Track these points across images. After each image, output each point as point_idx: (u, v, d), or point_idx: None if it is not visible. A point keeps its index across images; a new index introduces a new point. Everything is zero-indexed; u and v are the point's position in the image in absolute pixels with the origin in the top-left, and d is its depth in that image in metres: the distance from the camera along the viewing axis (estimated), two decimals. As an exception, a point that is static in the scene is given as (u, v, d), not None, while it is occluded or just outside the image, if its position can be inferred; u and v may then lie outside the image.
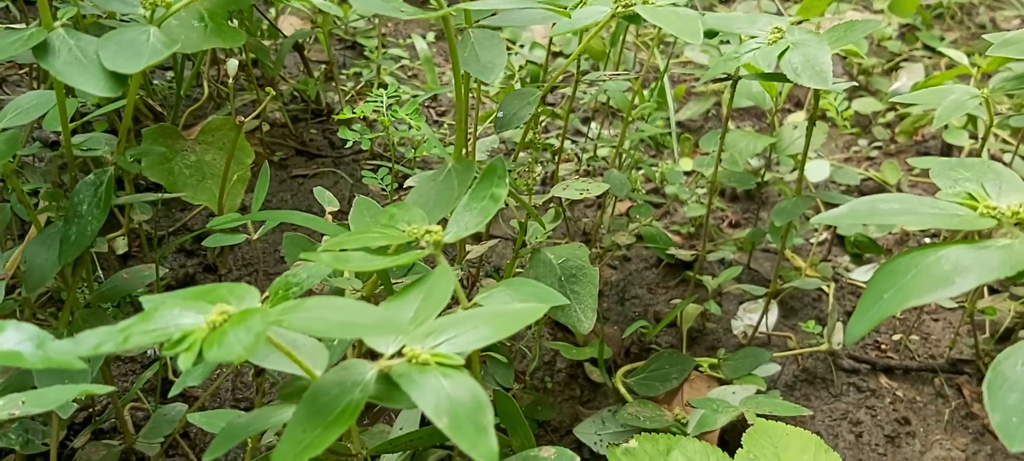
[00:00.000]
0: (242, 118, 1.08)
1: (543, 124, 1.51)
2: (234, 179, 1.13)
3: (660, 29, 1.36)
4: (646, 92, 1.65)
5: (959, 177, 0.63)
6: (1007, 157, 1.72)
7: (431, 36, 2.01)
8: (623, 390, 1.17)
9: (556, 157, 1.23)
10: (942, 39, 2.22)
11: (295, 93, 1.67)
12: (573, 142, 1.62)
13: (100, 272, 1.15)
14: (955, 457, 1.15)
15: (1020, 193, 0.60)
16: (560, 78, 0.96)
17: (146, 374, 1.05)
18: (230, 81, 1.12)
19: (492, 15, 0.86)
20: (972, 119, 1.78)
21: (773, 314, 1.34)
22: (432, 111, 1.81)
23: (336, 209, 1.04)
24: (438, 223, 0.72)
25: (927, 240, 1.57)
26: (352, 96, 1.70)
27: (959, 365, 1.28)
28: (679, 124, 1.86)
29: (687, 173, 1.65)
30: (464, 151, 0.98)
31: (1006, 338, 1.30)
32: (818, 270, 1.42)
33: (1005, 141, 1.79)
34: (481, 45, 0.78)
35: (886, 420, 1.20)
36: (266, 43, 1.62)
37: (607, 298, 1.38)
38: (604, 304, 1.37)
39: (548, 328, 1.27)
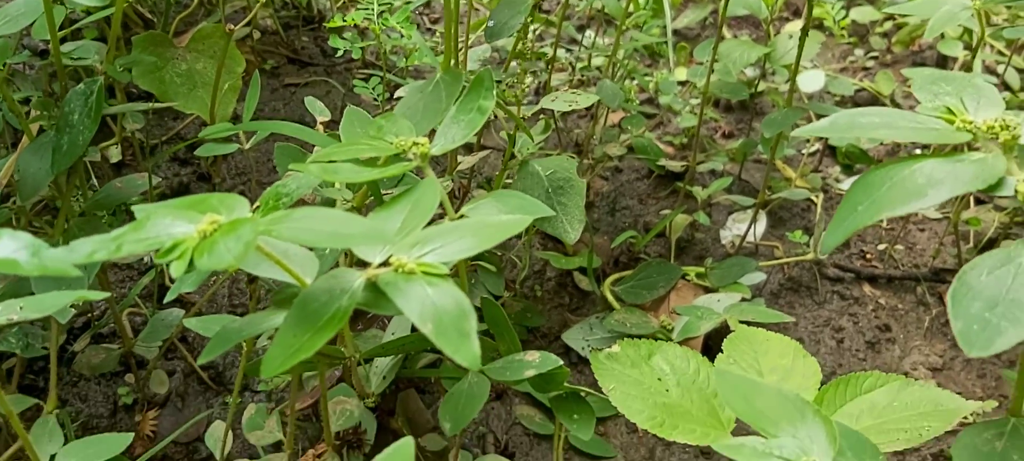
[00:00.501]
0: (232, 25, 1.08)
1: (537, 32, 1.50)
2: (225, 88, 1.13)
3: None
4: None
5: (940, 91, 0.64)
6: (1001, 68, 1.71)
7: (424, -60, 1.97)
8: (611, 298, 1.19)
9: (549, 67, 1.23)
10: (945, -54, 2.17)
11: (286, 0, 1.65)
12: (568, 51, 1.61)
13: (95, 181, 1.16)
14: (932, 362, 1.19)
15: (998, 108, 0.61)
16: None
17: (143, 280, 1.07)
18: (219, -12, 1.11)
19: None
20: (969, 30, 1.77)
21: (762, 224, 1.35)
22: (425, 19, 1.79)
23: (328, 119, 1.05)
24: (426, 135, 0.73)
25: (917, 152, 1.58)
26: (343, 3, 1.68)
27: (942, 274, 1.30)
28: (676, 32, 1.84)
29: (681, 83, 1.65)
30: (455, 61, 0.97)
31: (989, 248, 1.32)
32: (808, 181, 1.43)
33: (1000, 53, 1.78)
34: (469, -47, 0.77)
35: (867, 327, 1.23)
36: (255, -52, 1.59)
37: (598, 209, 1.40)
38: (595, 215, 1.39)
39: (538, 238, 1.29)
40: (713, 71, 1.21)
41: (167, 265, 0.52)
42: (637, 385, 0.81)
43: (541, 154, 1.00)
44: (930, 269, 1.31)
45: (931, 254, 1.33)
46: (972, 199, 1.42)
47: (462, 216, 0.69)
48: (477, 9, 1.70)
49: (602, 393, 0.83)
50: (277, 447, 0.83)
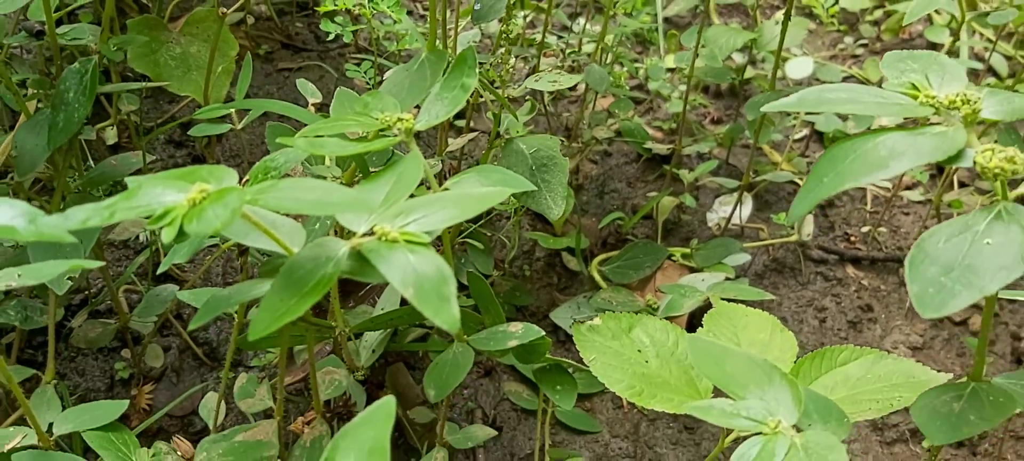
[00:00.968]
0: (226, 10, 1.10)
1: (528, 19, 1.52)
2: (219, 71, 1.15)
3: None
4: (632, -13, 1.65)
5: (907, 68, 0.66)
6: (988, 55, 1.73)
7: (418, -72, 1.98)
8: (598, 278, 1.22)
9: (539, 52, 1.25)
10: (935, -65, 2.19)
11: (281, -14, 1.66)
12: (559, 38, 1.63)
13: (91, 161, 1.18)
14: (913, 341, 1.21)
15: (960, 83, 0.63)
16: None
17: (139, 259, 1.10)
18: (212, -28, 1.13)
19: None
20: (958, 17, 1.79)
21: (747, 207, 1.38)
22: (418, 5, 1.81)
23: (319, 101, 1.07)
24: (411, 111, 0.75)
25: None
26: (338, -11, 1.70)
27: (924, 257, 1.32)
28: (667, 20, 1.86)
29: (670, 70, 1.67)
30: (444, 43, 1.00)
31: (971, 231, 1.35)
32: (793, 165, 1.45)
33: (989, 39, 1.80)
34: (454, -64, 0.79)
35: (850, 307, 1.25)
36: (250, -66, 1.61)
37: (587, 191, 1.42)
38: (583, 197, 1.41)
39: (527, 219, 1.31)
40: (699, 57, 1.23)
41: (159, 231, 0.55)
42: (617, 356, 0.84)
43: (527, 134, 1.03)
44: (912, 251, 1.33)
45: (914, 237, 1.35)
46: (956, 182, 1.45)
47: (445, 189, 0.71)
48: (470, -4, 1.71)
49: (587, 369, 0.86)
50: (267, 415, 0.86)
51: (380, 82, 1.20)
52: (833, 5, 1.89)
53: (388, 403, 0.51)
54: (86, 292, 1.11)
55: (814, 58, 1.71)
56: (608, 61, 1.47)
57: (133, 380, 1.06)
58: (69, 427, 0.77)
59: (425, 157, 0.71)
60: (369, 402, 0.99)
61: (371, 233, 0.61)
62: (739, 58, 1.66)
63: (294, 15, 1.61)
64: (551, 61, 1.47)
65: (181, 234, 0.55)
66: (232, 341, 0.85)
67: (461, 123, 1.19)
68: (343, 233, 0.86)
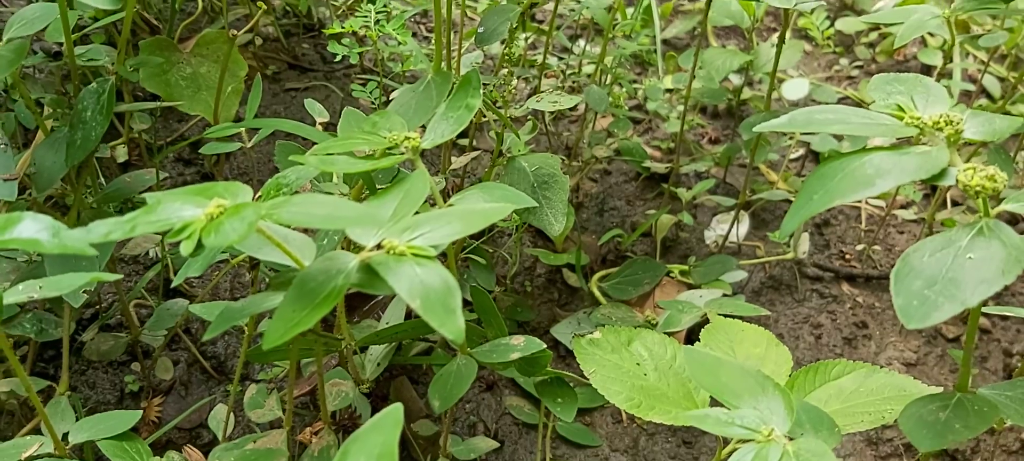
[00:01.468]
0: (235, 31, 1.13)
1: (529, 41, 1.55)
2: (228, 91, 1.18)
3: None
4: (632, 10, 1.69)
5: (893, 90, 0.69)
6: (981, 76, 1.76)
7: (422, -48, 2.02)
8: (598, 293, 1.24)
9: (540, 73, 1.28)
10: (929, -41, 2.23)
11: (287, 8, 1.70)
12: (559, 59, 1.66)
13: (102, 179, 1.21)
14: (907, 358, 1.24)
15: (944, 105, 0.66)
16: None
17: (149, 274, 1.12)
18: (223, -5, 1.16)
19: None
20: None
21: (745, 225, 1.40)
22: (422, 27, 1.84)
23: (326, 120, 1.10)
24: (417, 130, 0.78)
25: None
26: (342, 11, 1.74)
27: (918, 274, 1.35)
28: (665, 42, 1.90)
29: (668, 90, 1.70)
30: (448, 64, 1.02)
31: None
32: (789, 184, 1.48)
33: (982, 61, 1.84)
34: (459, -38, 0.82)
35: (845, 324, 1.28)
36: (258, -43, 1.64)
37: (587, 209, 1.45)
38: (583, 214, 1.44)
39: (529, 236, 1.34)
40: (696, 78, 1.26)
41: (176, 247, 0.57)
42: (617, 369, 0.86)
43: (528, 153, 1.06)
44: (906, 269, 1.35)
45: (908, 254, 1.38)
46: (949, 201, 1.47)
47: (450, 205, 0.74)
48: (471, 18, 1.75)
49: (589, 383, 0.88)
50: (274, 426, 0.88)
51: (385, 102, 1.23)
52: (828, 27, 1.93)
53: (396, 410, 0.54)
54: (97, 306, 1.13)
55: (810, 79, 1.74)
56: (607, 82, 1.50)
57: (143, 393, 1.08)
58: (84, 436, 0.79)
59: (429, 174, 0.74)
60: (373, 414, 1.01)
61: (380, 247, 0.63)
62: (736, 79, 1.70)
63: (301, 36, 1.65)
64: (552, 82, 1.50)
65: (199, 247, 0.58)
66: (242, 353, 0.87)
67: (464, 141, 1.22)
68: (351, 247, 0.88)
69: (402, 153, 0.74)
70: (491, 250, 1.26)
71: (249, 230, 0.55)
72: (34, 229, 0.59)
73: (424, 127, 0.79)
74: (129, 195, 0.95)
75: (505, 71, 1.03)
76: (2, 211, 0.88)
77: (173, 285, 0.81)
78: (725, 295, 1.19)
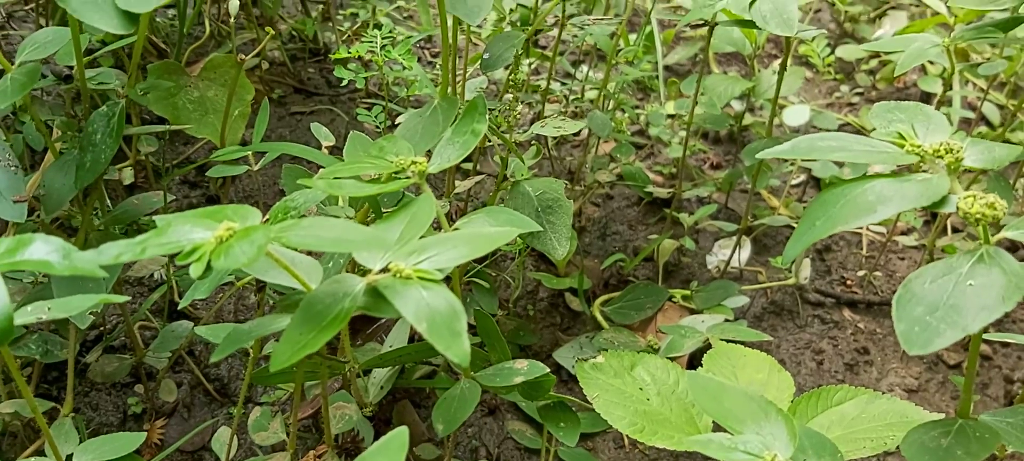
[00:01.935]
0: (243, 56, 1.14)
1: (533, 67, 1.57)
2: (235, 114, 1.19)
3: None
4: (635, 36, 1.70)
5: (894, 119, 0.70)
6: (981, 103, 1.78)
7: (426, -22, 2.04)
8: (600, 318, 1.24)
9: (544, 98, 1.29)
10: (929, -13, 2.25)
11: (293, 33, 1.72)
12: (562, 84, 1.68)
13: (109, 202, 1.22)
14: (908, 384, 1.24)
15: (945, 133, 0.67)
16: (548, 21, 1.01)
17: (153, 296, 1.13)
18: (231, 20, 1.18)
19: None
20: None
21: (746, 250, 1.41)
22: (427, 52, 1.86)
23: (332, 144, 1.11)
24: (424, 155, 0.78)
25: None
26: (348, 36, 1.75)
27: (919, 300, 1.35)
28: (667, 68, 1.91)
29: (670, 116, 1.72)
30: (453, 89, 1.04)
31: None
32: (790, 209, 1.49)
33: (981, 89, 1.85)
34: (467, -12, 0.83)
35: (847, 349, 1.28)
36: (264, -17, 1.66)
37: (589, 233, 1.46)
38: (586, 239, 1.44)
39: (531, 260, 1.34)
40: (698, 104, 1.27)
41: (185, 269, 0.58)
42: (620, 394, 0.86)
43: (532, 177, 1.06)
44: (908, 295, 1.36)
45: (909, 281, 1.38)
46: (949, 228, 1.48)
47: (456, 229, 0.75)
48: (475, 44, 1.77)
49: (591, 408, 0.88)
50: (276, 449, 0.88)
51: (391, 126, 1.24)
52: (829, 55, 1.95)
53: (401, 434, 0.54)
54: (102, 328, 1.13)
55: (811, 106, 1.75)
56: (610, 107, 1.51)
57: (146, 415, 1.08)
58: (88, 458, 0.79)
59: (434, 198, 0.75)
60: (376, 437, 1.01)
61: (386, 270, 0.64)
62: (737, 105, 1.71)
63: (306, 61, 1.66)
64: (555, 107, 1.52)
65: (208, 269, 0.58)
66: (247, 376, 0.87)
67: (468, 166, 1.23)
68: (357, 270, 0.89)
69: (408, 177, 0.74)
70: (494, 274, 1.26)
71: (259, 253, 0.56)
72: (45, 251, 0.60)
73: (430, 151, 0.80)
74: (136, 217, 0.96)
75: (509, 96, 1.04)
76: (11, 233, 0.88)
77: (180, 307, 0.81)
78: (727, 320, 1.19)
